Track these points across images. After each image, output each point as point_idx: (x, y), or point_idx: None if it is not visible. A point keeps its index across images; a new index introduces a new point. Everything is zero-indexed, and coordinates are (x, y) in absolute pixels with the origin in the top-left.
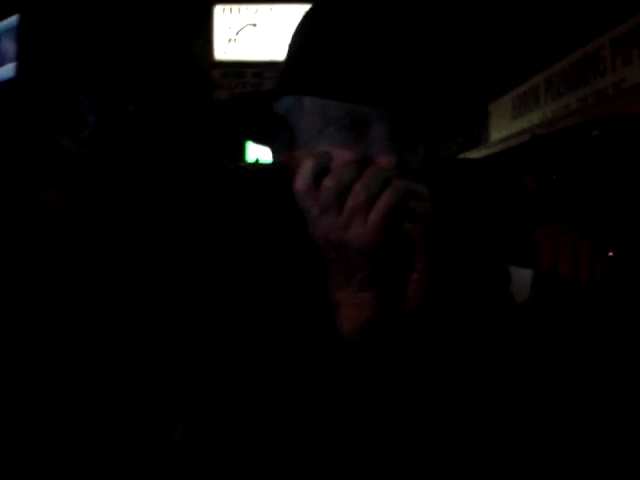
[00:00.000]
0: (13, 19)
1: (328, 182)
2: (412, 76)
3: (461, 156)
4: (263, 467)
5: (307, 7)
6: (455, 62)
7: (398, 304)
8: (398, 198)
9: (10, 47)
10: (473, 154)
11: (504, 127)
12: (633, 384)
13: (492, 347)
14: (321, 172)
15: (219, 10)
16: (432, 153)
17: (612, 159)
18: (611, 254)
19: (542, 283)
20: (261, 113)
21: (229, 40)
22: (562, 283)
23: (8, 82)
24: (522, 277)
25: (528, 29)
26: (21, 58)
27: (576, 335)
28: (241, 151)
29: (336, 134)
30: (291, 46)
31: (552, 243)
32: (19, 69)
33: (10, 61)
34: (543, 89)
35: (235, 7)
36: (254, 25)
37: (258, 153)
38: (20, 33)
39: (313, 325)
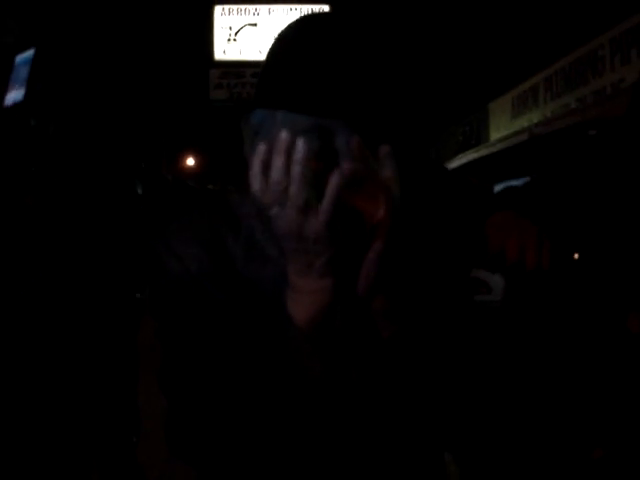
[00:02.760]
0: (30, 52)
1: (270, 180)
2: (367, 89)
3: (460, 155)
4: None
5: (306, 7)
6: (410, 72)
7: (352, 285)
8: (343, 183)
9: (23, 74)
10: (472, 153)
11: (503, 126)
12: (606, 372)
13: (445, 329)
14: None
15: (219, 10)
16: (419, 153)
17: (609, 159)
18: (576, 256)
19: (491, 268)
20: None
21: (228, 40)
22: (510, 267)
23: (16, 105)
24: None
25: (528, 29)
26: (29, 85)
27: (533, 319)
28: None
29: (305, 144)
30: (265, 65)
31: (499, 230)
32: (26, 94)
33: (22, 86)
34: (542, 89)
35: (235, 7)
36: (254, 25)
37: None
38: (33, 64)
39: (269, 312)
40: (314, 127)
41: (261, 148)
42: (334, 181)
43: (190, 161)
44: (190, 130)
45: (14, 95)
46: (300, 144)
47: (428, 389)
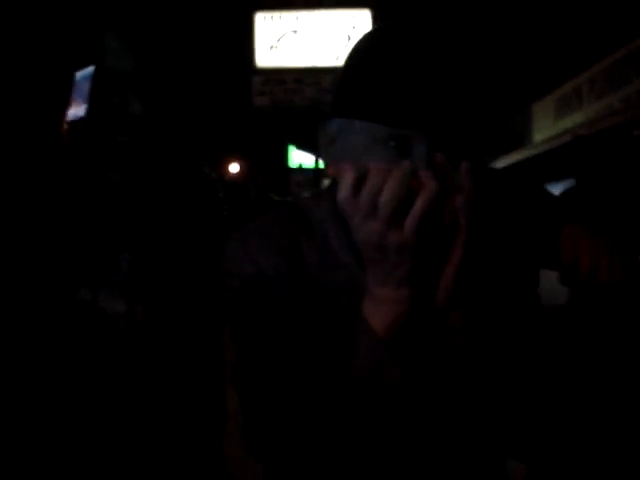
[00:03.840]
0: (90, 68)
1: (363, 191)
2: (447, 102)
3: (504, 157)
4: (305, 453)
5: (345, 12)
6: (487, 83)
7: (431, 297)
8: (430, 202)
9: (85, 90)
10: (516, 155)
11: (547, 128)
12: None
13: (517, 343)
14: (361, 183)
15: (260, 17)
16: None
17: None
18: None
19: (565, 281)
20: (316, 129)
21: (270, 47)
22: (582, 280)
23: (79, 120)
24: (552, 280)
25: (570, 30)
26: (92, 101)
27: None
28: (284, 156)
29: (382, 151)
30: (343, 73)
31: (572, 243)
32: (89, 111)
33: (84, 102)
34: (586, 89)
35: (276, 14)
36: (295, 32)
37: (301, 159)
38: (94, 80)
39: (342, 319)
40: (391, 137)
41: (361, 167)
42: (423, 199)
43: (234, 167)
44: (234, 137)
45: (76, 111)
46: (399, 170)
47: (500, 398)
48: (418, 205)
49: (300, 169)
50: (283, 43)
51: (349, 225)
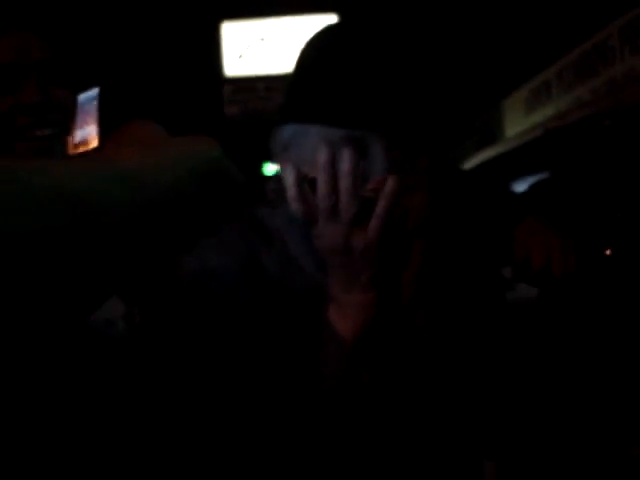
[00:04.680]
0: (95, 90)
1: (319, 196)
2: (401, 101)
3: (477, 154)
4: (269, 464)
5: (314, 17)
6: (443, 82)
7: (395, 299)
8: (392, 202)
9: (91, 111)
10: (489, 152)
11: (518, 123)
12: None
13: (482, 341)
14: (303, 184)
15: (227, 26)
16: (442, 158)
17: (625, 149)
18: (608, 252)
19: (517, 276)
20: (269, 136)
21: (239, 56)
22: (536, 275)
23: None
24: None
25: (535, 24)
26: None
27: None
28: (259, 165)
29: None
30: (293, 77)
31: (525, 238)
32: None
33: (92, 122)
34: (555, 82)
35: (243, 22)
36: (262, 39)
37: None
38: (100, 102)
39: (306, 327)
40: (345, 140)
41: (296, 164)
42: (385, 199)
43: None
44: None
45: (82, 132)
46: (347, 156)
47: (468, 394)
48: (381, 205)
49: (277, 177)
50: (252, 51)
51: (311, 231)
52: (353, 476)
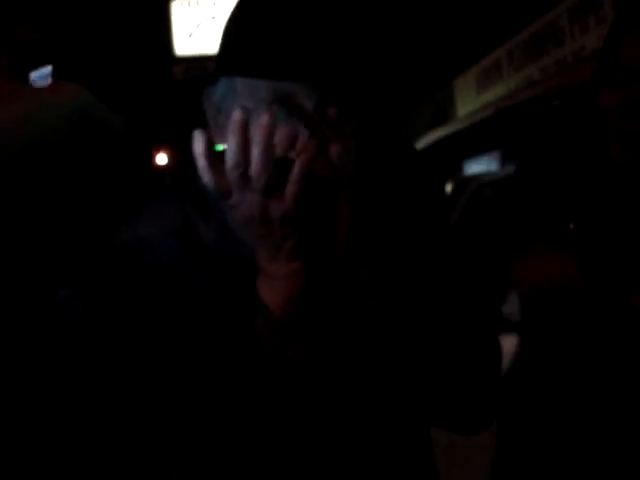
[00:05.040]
0: (48, 68)
1: (227, 164)
2: (332, 53)
3: (430, 133)
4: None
5: None
6: (376, 38)
7: (328, 261)
8: (308, 165)
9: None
10: (441, 131)
11: (470, 102)
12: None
13: (427, 296)
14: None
15: (177, 4)
16: (394, 131)
17: (573, 128)
18: (572, 226)
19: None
20: (202, 100)
21: (189, 34)
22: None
23: None
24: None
25: (487, 3)
26: None
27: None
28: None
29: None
30: (224, 32)
31: (523, 278)
32: None
33: None
34: (505, 62)
35: (193, 1)
36: (213, 18)
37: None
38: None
39: (246, 299)
40: (274, 97)
41: (198, 133)
42: (301, 162)
43: (161, 158)
44: (160, 127)
45: None
46: (262, 120)
47: (416, 359)
48: (296, 170)
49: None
50: (202, 30)
51: (229, 204)
52: (293, 446)
